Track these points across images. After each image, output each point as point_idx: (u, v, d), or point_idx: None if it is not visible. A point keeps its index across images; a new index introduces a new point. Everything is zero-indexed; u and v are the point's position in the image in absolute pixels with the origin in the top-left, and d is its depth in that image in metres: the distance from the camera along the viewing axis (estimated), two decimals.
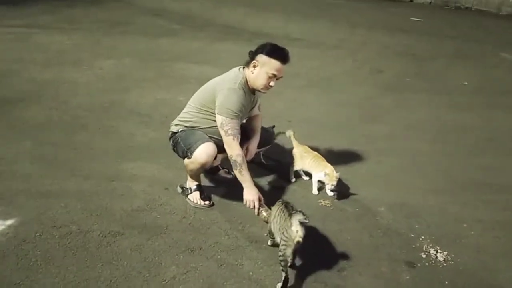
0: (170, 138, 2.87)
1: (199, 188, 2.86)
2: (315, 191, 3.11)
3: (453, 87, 6.03)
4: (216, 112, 2.63)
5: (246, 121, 2.98)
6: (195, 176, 2.84)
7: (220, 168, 3.24)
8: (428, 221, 2.89)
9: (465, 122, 4.82)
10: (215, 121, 2.66)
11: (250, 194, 2.65)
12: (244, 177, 2.66)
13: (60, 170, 3.09)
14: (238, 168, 2.63)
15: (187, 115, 2.81)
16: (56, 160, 3.21)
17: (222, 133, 2.62)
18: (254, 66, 2.63)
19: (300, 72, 6.14)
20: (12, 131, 3.62)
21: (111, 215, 2.65)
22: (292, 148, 3.29)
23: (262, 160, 3.43)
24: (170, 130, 2.88)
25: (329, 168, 3.00)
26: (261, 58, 2.62)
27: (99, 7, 9.37)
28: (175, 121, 2.87)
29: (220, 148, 2.71)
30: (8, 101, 4.18)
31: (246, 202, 2.66)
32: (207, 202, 2.84)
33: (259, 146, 3.26)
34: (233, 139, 2.61)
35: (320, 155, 3.17)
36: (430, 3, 15.77)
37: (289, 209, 2.24)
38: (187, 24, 8.41)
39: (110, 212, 2.68)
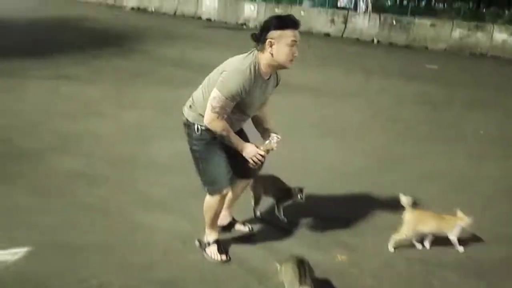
0: (184, 125, 2.78)
1: (217, 242, 2.88)
2: (460, 249, 3.12)
3: (470, 136, 6.03)
4: (216, 86, 2.55)
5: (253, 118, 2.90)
6: (215, 220, 2.87)
7: (234, 221, 3.25)
8: (447, 277, 2.85)
9: (482, 172, 4.79)
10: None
11: (250, 152, 2.65)
12: (235, 142, 2.66)
13: (82, 222, 3.18)
14: (227, 138, 2.64)
15: (201, 99, 2.70)
16: (78, 211, 3.31)
17: (209, 106, 2.54)
18: (271, 45, 2.51)
19: (317, 120, 6.26)
20: (36, 183, 3.75)
21: (131, 269, 2.70)
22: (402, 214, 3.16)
23: (276, 212, 3.42)
24: (183, 114, 2.78)
25: (464, 219, 3.03)
26: (275, 33, 2.51)
27: (123, 59, 9.79)
28: (189, 103, 2.77)
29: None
30: (34, 153, 4.35)
31: (250, 160, 2.66)
32: (224, 257, 2.84)
33: (278, 200, 3.31)
34: (217, 117, 2.55)
35: (436, 212, 3.17)
36: (445, 50, 15.96)
37: (301, 272, 2.27)
38: (207, 73, 8.60)
39: (130, 266, 2.73)
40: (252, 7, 21.55)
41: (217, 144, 2.73)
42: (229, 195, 2.94)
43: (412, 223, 3.07)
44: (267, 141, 2.72)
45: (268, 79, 2.69)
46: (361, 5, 29.09)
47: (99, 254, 2.81)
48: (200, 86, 2.78)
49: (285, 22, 2.53)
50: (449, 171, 4.76)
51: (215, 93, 2.53)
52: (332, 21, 19.03)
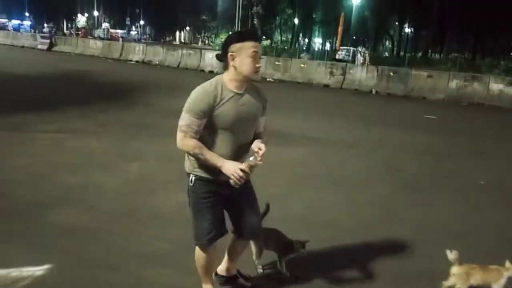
0: (186, 174, 2.76)
1: None
2: None
3: (471, 186, 6.06)
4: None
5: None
6: (208, 273, 2.90)
7: (238, 275, 3.23)
8: None
9: (484, 221, 4.78)
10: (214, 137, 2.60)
11: (230, 168, 2.50)
12: (212, 160, 2.53)
13: (83, 279, 3.17)
14: (202, 157, 2.54)
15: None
16: (80, 267, 3.30)
17: (178, 129, 2.54)
18: (233, 58, 2.52)
19: (318, 171, 6.32)
20: (39, 238, 3.75)
21: None
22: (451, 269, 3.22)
23: (278, 266, 3.39)
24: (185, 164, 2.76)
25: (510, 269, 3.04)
26: (235, 46, 2.51)
27: (128, 111, 10.00)
28: (191, 163, 2.71)
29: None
30: (38, 206, 4.38)
31: (231, 176, 2.50)
32: None
33: (280, 254, 3.31)
34: (184, 136, 2.52)
35: (482, 264, 3.21)
36: (443, 99, 16.27)
37: None
38: None
39: None
40: None
41: (209, 200, 2.70)
42: (233, 249, 3.00)
43: (463, 277, 3.12)
44: (251, 157, 2.56)
45: (243, 93, 2.61)
46: (359, 58, 29.97)
47: None
48: None
49: (244, 35, 2.59)
50: (451, 221, 4.76)
51: (182, 115, 2.55)
52: (331, 73, 19.53)
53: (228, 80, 2.58)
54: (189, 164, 2.70)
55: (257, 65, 2.55)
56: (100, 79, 16.21)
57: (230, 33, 2.68)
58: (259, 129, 2.78)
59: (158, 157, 6.35)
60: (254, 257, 3.33)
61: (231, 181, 2.52)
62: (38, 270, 2.86)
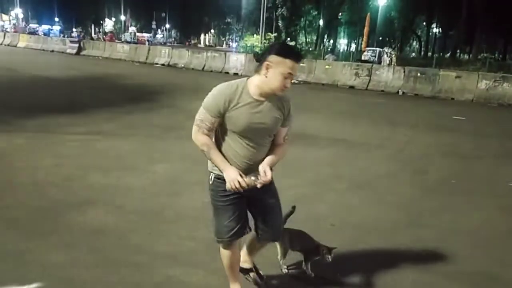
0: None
1: None
2: None
3: (501, 189, 5.93)
4: None
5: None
6: (234, 271, 2.92)
7: (253, 269, 3.24)
8: None
9: None
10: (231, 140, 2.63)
11: (230, 175, 2.53)
12: (216, 161, 2.59)
13: (112, 276, 3.25)
14: (207, 155, 2.61)
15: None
16: (109, 266, 3.39)
17: (195, 121, 2.61)
18: (267, 68, 2.49)
19: (344, 173, 6.29)
20: (70, 236, 3.87)
21: None
22: None
23: (303, 267, 3.40)
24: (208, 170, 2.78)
25: None
26: (274, 58, 2.48)
27: (155, 113, 10.17)
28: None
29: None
30: (69, 206, 4.51)
31: (229, 183, 2.54)
32: None
33: (305, 255, 3.32)
34: (198, 130, 2.59)
35: None
36: (472, 100, 15.93)
37: None
38: None
39: None
40: None
41: (229, 198, 2.69)
42: (253, 246, 3.05)
43: None
44: (253, 177, 2.56)
45: (263, 101, 2.59)
46: (385, 58, 29.58)
47: None
48: None
49: (288, 52, 2.51)
50: (480, 226, 4.67)
51: (200, 108, 2.61)
52: (357, 74, 19.36)
53: (254, 84, 2.56)
54: (210, 163, 2.72)
55: (287, 85, 2.54)
56: (127, 82, 16.52)
57: (276, 42, 2.60)
58: (278, 141, 2.75)
59: (183, 159, 6.44)
60: (278, 257, 3.35)
61: (226, 185, 2.56)
62: None
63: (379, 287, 3.31)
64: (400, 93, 17.68)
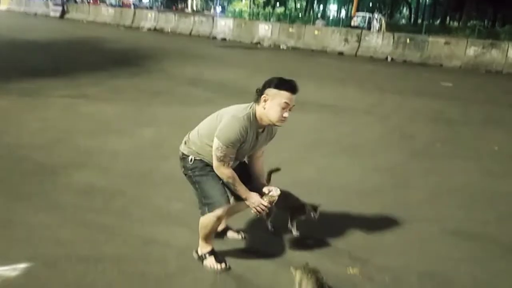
0: (180, 159, 3.01)
1: (213, 252, 2.97)
2: None
3: (485, 153, 6.01)
4: (215, 134, 2.71)
5: (248, 162, 3.08)
6: (209, 236, 2.94)
7: (228, 229, 3.33)
8: None
9: (498, 189, 4.77)
10: None
11: (253, 200, 2.81)
12: (240, 190, 2.82)
13: (99, 235, 3.26)
14: (233, 187, 2.82)
15: (196, 136, 2.92)
16: (96, 226, 3.39)
17: (214, 156, 2.73)
18: (265, 101, 2.70)
19: (331, 138, 6.31)
20: (56, 197, 3.86)
21: (146, 280, 2.76)
22: None
23: (289, 226, 3.45)
24: (179, 149, 3.00)
25: None
26: (271, 91, 2.69)
27: (142, 78, 10.02)
28: (185, 139, 3.00)
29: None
30: (54, 168, 4.48)
31: (253, 210, 2.83)
32: (223, 266, 2.92)
33: (291, 215, 3.36)
34: (223, 165, 2.75)
35: None
36: (460, 67, 15.97)
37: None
38: (223, 93, 8.84)
39: (145, 277, 2.79)
40: (266, 27, 21.88)
41: (209, 168, 2.85)
42: (231, 208, 3.03)
43: None
44: (270, 192, 2.86)
45: (262, 132, 2.86)
46: (375, 24, 29.30)
47: (115, 266, 2.87)
48: (197, 126, 2.99)
49: (284, 84, 2.70)
50: (464, 188, 4.76)
51: (216, 144, 2.70)
52: (346, 40, 19.20)
53: (257, 115, 2.76)
54: (188, 149, 2.93)
55: (284, 115, 2.70)
56: (112, 46, 16.18)
57: (274, 77, 2.83)
58: (258, 154, 3.04)
59: (171, 123, 6.40)
60: (264, 215, 3.38)
61: (253, 211, 2.86)
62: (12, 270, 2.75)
63: (363, 248, 3.37)
64: (389, 59, 17.63)
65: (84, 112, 6.77)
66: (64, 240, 3.17)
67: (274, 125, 2.80)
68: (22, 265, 2.81)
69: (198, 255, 3.01)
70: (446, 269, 3.12)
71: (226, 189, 2.90)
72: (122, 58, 13.06)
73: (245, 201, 2.86)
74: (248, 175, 3.03)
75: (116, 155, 5.01)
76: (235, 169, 2.86)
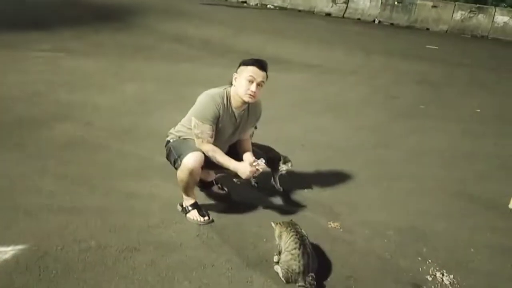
0: (165, 147, 3.07)
1: (196, 206, 3.00)
2: None
3: (467, 115, 6.09)
4: (192, 114, 2.86)
5: (236, 145, 3.11)
6: (189, 190, 2.96)
7: (214, 183, 3.37)
8: (435, 245, 2.94)
9: (477, 149, 4.86)
10: None
11: (243, 169, 2.82)
12: (225, 162, 2.85)
13: (82, 187, 3.24)
14: (216, 159, 2.84)
15: (181, 127, 3.02)
16: (78, 178, 3.37)
17: (194, 135, 2.85)
18: (235, 79, 2.84)
19: (317, 97, 6.30)
20: (38, 149, 3.80)
21: (128, 231, 2.78)
22: None
23: (272, 181, 3.48)
24: (166, 139, 3.09)
25: None
26: (240, 69, 2.84)
27: (125, 33, 9.75)
28: (170, 131, 3.09)
29: (211, 164, 2.89)
30: (35, 121, 4.39)
31: (246, 176, 2.83)
32: (206, 218, 2.97)
33: (273, 169, 3.38)
34: (201, 142, 2.83)
35: None
36: (446, 31, 15.93)
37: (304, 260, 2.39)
38: (208, 51, 8.69)
39: (128, 229, 2.80)
40: None
41: (188, 141, 2.94)
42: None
43: None
44: (255, 162, 2.85)
45: (242, 114, 2.93)
46: None
47: (97, 217, 2.87)
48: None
49: (250, 61, 2.83)
50: (444, 147, 4.84)
51: (193, 122, 2.83)
52: (334, 1, 18.83)
53: (232, 95, 2.87)
54: (171, 136, 3.04)
55: (251, 89, 2.77)
56: (95, 0, 15.62)
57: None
58: (245, 136, 3.09)
59: (154, 79, 6.29)
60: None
61: (245, 177, 2.83)
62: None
63: (345, 203, 3.43)
64: (377, 22, 17.42)
65: (65, 66, 6.59)
66: (45, 191, 3.14)
67: (244, 101, 2.83)
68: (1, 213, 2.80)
69: (182, 207, 3.04)
70: (424, 225, 3.21)
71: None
72: (104, 12, 12.62)
73: (232, 170, 2.86)
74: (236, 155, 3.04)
75: (98, 109, 4.92)
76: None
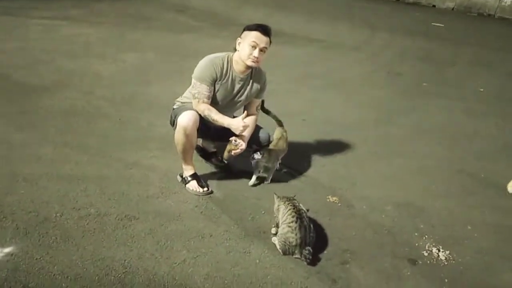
0: (170, 116, 3.07)
1: (195, 176, 3.01)
2: None
3: (470, 94, 6.04)
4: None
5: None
6: (187, 156, 2.95)
7: (215, 154, 3.39)
8: (433, 222, 2.96)
9: (479, 128, 4.83)
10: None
11: (236, 124, 2.84)
12: (220, 119, 2.85)
13: (81, 156, 3.24)
14: (210, 118, 2.85)
15: (186, 94, 3.05)
16: (78, 147, 3.37)
17: (191, 95, 2.88)
18: (239, 44, 2.82)
19: (319, 72, 6.24)
20: (38, 117, 3.79)
21: (128, 200, 2.79)
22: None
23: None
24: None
25: None
26: (243, 34, 2.82)
27: (126, 3, 9.60)
28: (176, 99, 3.10)
29: (211, 135, 3.00)
30: (36, 89, 4.37)
31: (239, 132, 2.86)
32: (205, 189, 2.98)
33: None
34: (198, 102, 2.85)
35: None
36: (453, 9, 15.65)
37: (302, 235, 2.40)
38: (210, 22, 8.56)
39: (127, 198, 2.81)
40: None
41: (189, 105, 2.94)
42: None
43: None
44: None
45: (244, 79, 2.92)
46: None
47: (97, 186, 2.88)
48: None
49: (254, 26, 2.80)
50: (446, 126, 4.81)
51: (192, 82, 2.86)
52: None
53: (234, 60, 2.86)
54: (177, 103, 3.07)
55: (254, 54, 2.75)
56: None
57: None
58: (251, 111, 3.06)
59: (155, 49, 6.22)
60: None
61: (238, 132, 2.85)
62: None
63: (344, 178, 3.44)
64: None
65: (65, 34, 6.51)
66: (45, 159, 3.14)
67: (247, 65, 2.82)
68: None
69: (181, 177, 3.04)
70: (423, 201, 3.22)
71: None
72: None
73: (227, 127, 2.86)
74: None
75: (99, 78, 4.89)
76: (226, 129, 2.89)
